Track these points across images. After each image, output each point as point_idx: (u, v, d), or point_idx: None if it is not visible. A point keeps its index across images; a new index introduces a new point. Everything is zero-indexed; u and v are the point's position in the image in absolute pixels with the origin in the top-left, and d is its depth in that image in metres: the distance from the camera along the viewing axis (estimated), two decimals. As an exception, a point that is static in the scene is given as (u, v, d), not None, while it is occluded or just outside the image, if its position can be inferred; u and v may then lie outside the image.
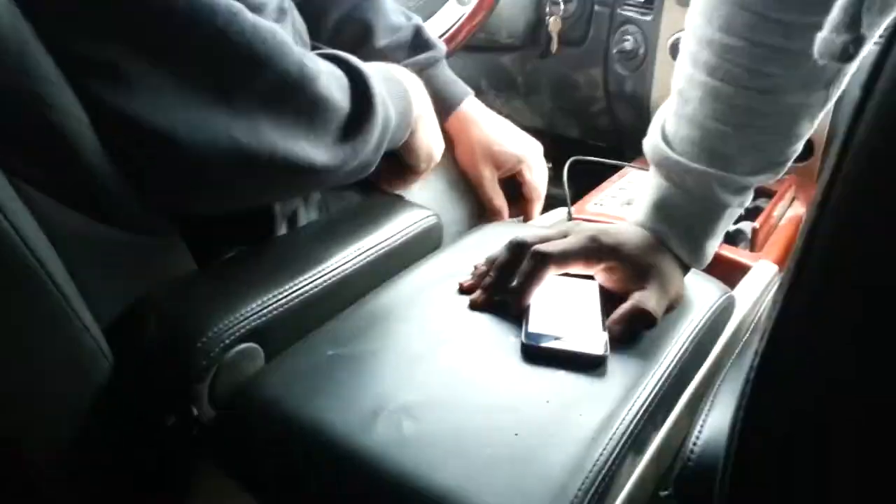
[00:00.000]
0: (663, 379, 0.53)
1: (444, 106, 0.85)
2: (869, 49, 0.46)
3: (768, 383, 0.36)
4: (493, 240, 0.73)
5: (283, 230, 0.70)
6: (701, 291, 0.64)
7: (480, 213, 0.89)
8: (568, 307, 0.59)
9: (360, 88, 0.61)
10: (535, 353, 0.54)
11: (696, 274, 0.67)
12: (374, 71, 0.64)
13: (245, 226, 0.67)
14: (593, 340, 0.55)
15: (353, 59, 0.62)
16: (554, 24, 1.18)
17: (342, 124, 0.59)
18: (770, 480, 0.37)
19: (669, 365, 0.54)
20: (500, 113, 0.90)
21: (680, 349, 0.56)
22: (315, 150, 0.57)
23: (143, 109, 0.48)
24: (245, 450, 0.51)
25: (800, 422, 0.35)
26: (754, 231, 0.91)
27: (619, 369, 0.53)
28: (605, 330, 0.56)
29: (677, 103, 0.65)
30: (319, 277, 0.60)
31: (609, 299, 0.60)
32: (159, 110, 0.49)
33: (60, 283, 0.47)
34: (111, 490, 0.56)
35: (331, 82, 0.58)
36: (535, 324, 0.56)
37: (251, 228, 0.68)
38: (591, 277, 0.63)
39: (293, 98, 0.55)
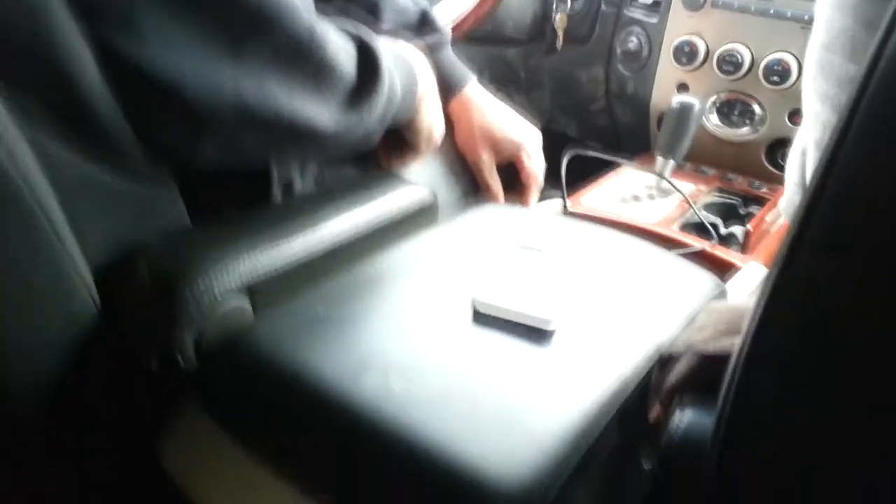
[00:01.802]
0: (653, 357, 0.53)
1: (447, 89, 0.85)
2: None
3: (758, 363, 0.36)
4: (488, 220, 0.73)
5: (278, 198, 0.70)
6: (695, 281, 0.65)
7: (477, 195, 0.89)
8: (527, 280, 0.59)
9: (367, 59, 0.61)
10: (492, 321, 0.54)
11: (691, 265, 0.68)
12: (383, 45, 0.64)
13: (242, 187, 0.67)
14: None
15: (363, 30, 0.62)
16: (560, 20, 1.19)
17: (348, 92, 0.59)
18: (758, 459, 0.37)
19: (661, 345, 0.54)
20: (500, 107, 0.90)
21: (669, 333, 0.57)
22: (319, 115, 0.57)
23: (151, 57, 0.48)
24: (231, 398, 0.51)
25: (788, 404, 0.36)
26: (747, 234, 0.92)
27: (611, 347, 0.53)
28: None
29: (820, 125, 0.54)
30: (313, 242, 0.60)
31: None
32: (169, 60, 0.48)
33: (55, 221, 0.46)
34: (94, 433, 0.56)
35: (339, 50, 0.58)
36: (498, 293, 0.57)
37: (247, 192, 0.67)
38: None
39: (301, 60, 0.55)
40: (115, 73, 0.48)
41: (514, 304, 0.56)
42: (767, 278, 0.35)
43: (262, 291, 0.55)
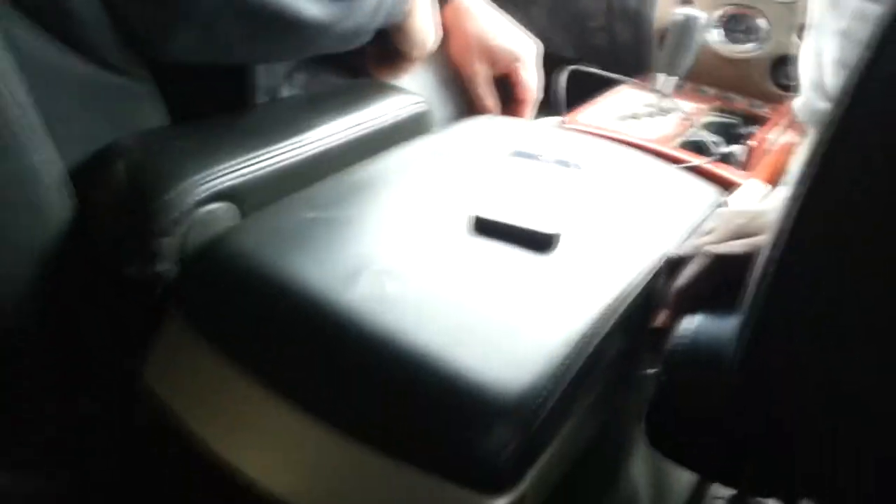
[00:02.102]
0: (656, 267, 0.51)
1: None
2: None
3: (790, 266, 0.34)
4: (482, 130, 0.70)
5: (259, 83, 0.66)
6: (698, 192, 0.62)
7: (471, 112, 0.85)
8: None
9: None
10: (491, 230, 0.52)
11: (694, 178, 0.65)
12: None
13: (224, 93, 0.63)
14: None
15: None
16: (559, -73, 1.12)
17: None
18: (787, 363, 0.36)
19: (664, 252, 0.52)
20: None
21: (674, 242, 0.54)
22: (306, 2, 0.53)
23: None
24: (214, 304, 0.48)
25: (818, 320, 0.33)
26: (750, 150, 0.90)
27: (614, 256, 0.51)
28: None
29: (839, 49, 0.51)
30: (301, 146, 0.57)
31: None
32: None
33: (24, 107, 0.42)
34: (71, 340, 0.53)
35: None
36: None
37: (230, 96, 0.64)
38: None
39: None
40: None
41: (513, 212, 0.53)
42: (797, 189, 0.32)
43: (247, 196, 0.52)
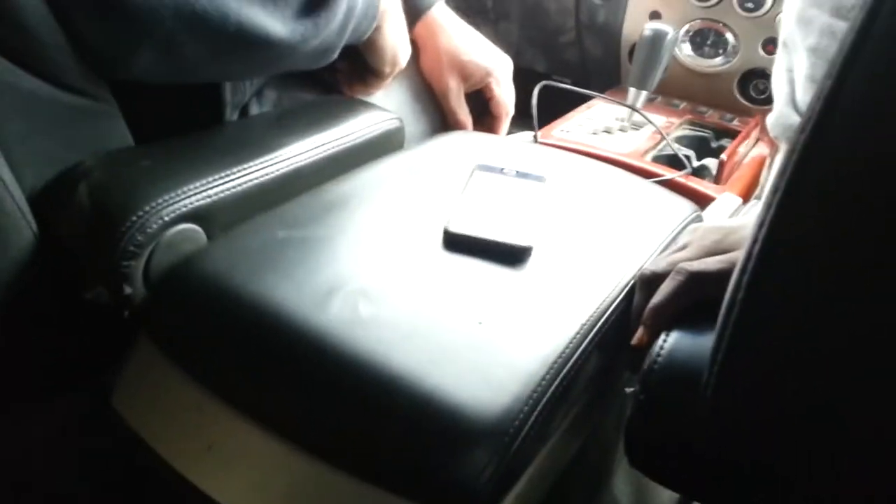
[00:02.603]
0: (631, 282, 0.50)
1: (413, 10, 0.80)
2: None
3: (756, 298, 0.33)
4: (456, 146, 0.69)
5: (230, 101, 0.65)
6: (672, 206, 0.62)
7: (444, 128, 0.85)
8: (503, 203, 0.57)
9: None
10: (464, 245, 0.52)
11: (668, 193, 0.65)
12: None
13: (191, 110, 0.62)
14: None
15: None
16: (529, -56, 1.13)
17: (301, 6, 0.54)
18: (760, 380, 0.35)
19: (640, 268, 0.52)
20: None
21: (649, 257, 0.54)
22: (273, 21, 0.52)
23: None
24: (183, 328, 0.47)
25: (787, 335, 0.33)
26: (721, 164, 0.90)
27: (589, 271, 0.51)
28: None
29: (810, 65, 0.52)
30: (271, 164, 0.56)
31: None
32: None
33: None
34: (38, 368, 0.52)
35: None
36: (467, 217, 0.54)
37: (197, 114, 0.62)
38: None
39: None
40: None
41: (487, 227, 0.53)
42: (769, 198, 0.32)
43: (215, 217, 0.51)
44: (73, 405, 0.55)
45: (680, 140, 1.04)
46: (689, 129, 1.07)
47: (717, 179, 0.90)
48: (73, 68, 0.47)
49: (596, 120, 1.05)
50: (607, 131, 1.02)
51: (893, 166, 0.28)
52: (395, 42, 0.72)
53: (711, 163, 0.96)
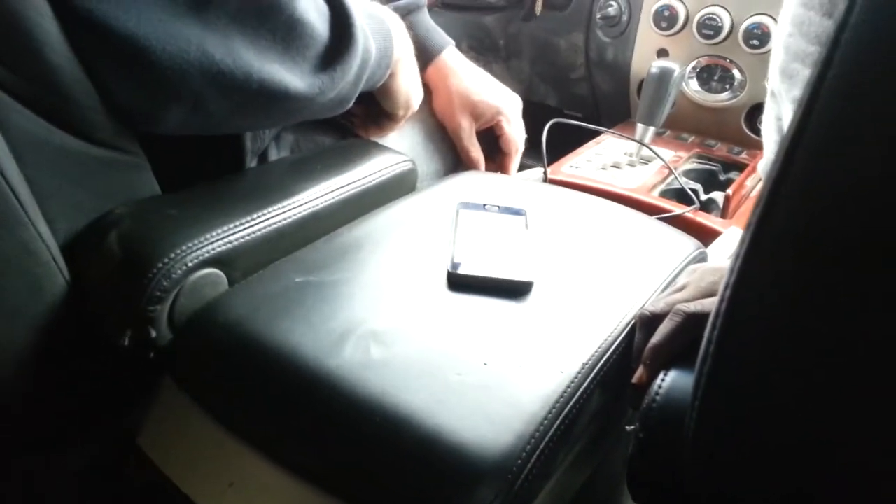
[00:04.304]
0: (632, 322, 0.52)
1: (425, 55, 0.83)
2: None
3: (731, 332, 0.35)
4: (468, 186, 0.72)
5: (252, 166, 0.68)
6: (675, 244, 0.64)
7: (457, 166, 0.88)
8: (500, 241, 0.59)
9: (340, 18, 0.59)
10: (468, 285, 0.54)
11: (671, 229, 0.67)
12: (356, 4, 0.62)
13: (213, 157, 0.65)
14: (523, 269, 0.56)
15: (349, 11, 0.60)
16: (539, -15, 1.17)
17: (320, 52, 0.57)
18: (737, 417, 0.37)
19: (642, 307, 0.54)
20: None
21: (650, 296, 0.56)
22: (291, 76, 0.55)
23: (113, 12, 0.46)
24: (206, 371, 0.50)
25: (762, 368, 0.35)
26: (726, 199, 0.92)
27: (591, 310, 0.53)
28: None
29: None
30: (289, 209, 0.58)
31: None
32: (130, 14, 0.46)
33: (15, 186, 0.44)
34: (67, 408, 0.54)
35: (309, 7, 0.56)
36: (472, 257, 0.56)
37: (219, 161, 0.66)
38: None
39: (269, 17, 0.53)
40: (75, 28, 0.46)
41: (492, 267, 0.55)
42: (745, 233, 0.34)
43: (237, 262, 0.54)
44: (100, 444, 0.58)
45: (688, 173, 1.06)
46: (698, 163, 1.09)
47: (723, 213, 0.92)
48: (104, 124, 0.50)
49: (605, 155, 1.07)
50: (616, 166, 1.04)
51: (857, 198, 0.30)
52: (409, 87, 0.75)
53: (719, 196, 0.97)
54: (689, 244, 0.65)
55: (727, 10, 1.05)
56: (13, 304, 0.47)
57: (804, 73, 0.48)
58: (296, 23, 0.54)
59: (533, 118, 0.95)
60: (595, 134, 1.12)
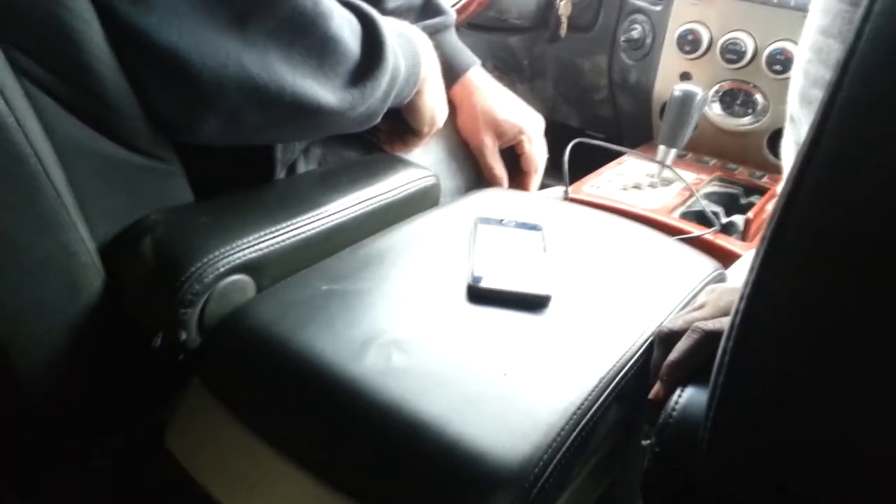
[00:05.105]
0: (650, 338, 0.53)
1: (451, 73, 0.85)
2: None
3: (745, 343, 0.36)
4: (489, 202, 0.73)
5: (282, 177, 0.70)
6: (694, 264, 0.65)
7: (479, 183, 0.89)
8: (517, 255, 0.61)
9: (371, 36, 0.61)
10: (488, 297, 0.56)
11: (691, 249, 0.68)
12: (387, 23, 0.64)
13: (245, 167, 0.67)
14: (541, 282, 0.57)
15: (367, 7, 0.62)
16: (564, 7, 1.19)
17: (352, 68, 0.59)
18: (746, 441, 0.38)
19: (660, 324, 0.54)
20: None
21: (668, 314, 0.57)
22: (323, 91, 0.57)
23: (156, 26, 0.48)
24: (233, 374, 0.51)
25: (776, 378, 0.36)
26: (747, 222, 0.93)
27: (610, 325, 0.54)
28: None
29: None
30: (316, 220, 0.60)
31: None
32: (173, 29, 0.49)
33: (60, 189, 0.46)
34: (97, 406, 0.56)
35: (343, 25, 0.58)
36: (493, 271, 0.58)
37: (251, 171, 0.68)
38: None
39: (305, 34, 0.55)
40: (120, 39, 0.48)
41: (513, 281, 0.56)
42: (759, 247, 0.35)
43: (265, 269, 0.55)
44: (126, 441, 0.60)
45: (710, 196, 1.06)
46: (719, 186, 1.10)
47: (744, 236, 0.92)
48: (144, 133, 0.53)
49: (626, 175, 1.08)
50: (637, 187, 1.05)
51: (867, 213, 0.31)
52: (434, 104, 0.77)
53: (739, 219, 0.98)
54: (708, 265, 0.65)
55: (751, 34, 1.06)
56: (53, 301, 0.49)
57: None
58: (329, 39, 0.56)
59: (556, 138, 0.97)
60: (617, 155, 1.13)
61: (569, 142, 1.00)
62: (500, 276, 0.57)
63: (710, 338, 0.47)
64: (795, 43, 1.02)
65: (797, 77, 0.53)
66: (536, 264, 0.60)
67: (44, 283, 0.48)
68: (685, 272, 0.63)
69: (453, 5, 1.08)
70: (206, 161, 0.62)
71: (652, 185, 1.06)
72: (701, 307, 0.52)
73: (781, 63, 1.04)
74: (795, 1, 1.02)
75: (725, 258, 0.86)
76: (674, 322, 0.51)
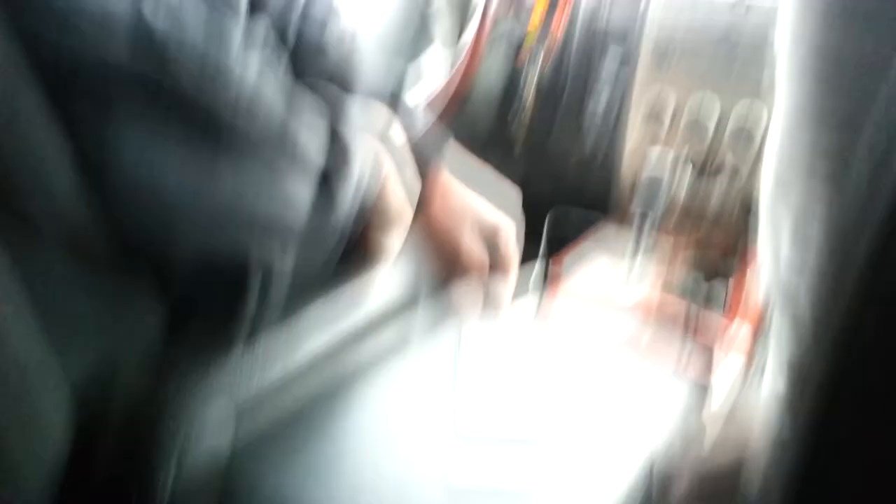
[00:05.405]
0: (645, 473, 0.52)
1: (420, 169, 0.85)
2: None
3: None
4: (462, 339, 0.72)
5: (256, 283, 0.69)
6: (675, 390, 0.65)
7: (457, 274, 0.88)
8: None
9: (339, 153, 0.61)
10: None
11: (670, 375, 0.68)
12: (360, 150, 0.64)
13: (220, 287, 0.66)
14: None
15: (344, 134, 0.63)
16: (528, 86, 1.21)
17: (316, 184, 0.59)
18: None
19: (652, 459, 0.53)
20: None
21: (659, 444, 0.56)
22: (294, 212, 0.57)
23: (131, 162, 0.48)
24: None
25: None
26: (726, 295, 0.93)
27: (602, 463, 0.53)
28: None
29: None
30: (294, 362, 0.60)
31: None
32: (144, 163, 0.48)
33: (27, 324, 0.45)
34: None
35: (310, 140, 0.58)
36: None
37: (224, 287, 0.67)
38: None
39: (276, 160, 0.55)
40: (88, 170, 0.47)
41: (497, 424, 0.56)
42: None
43: (243, 415, 0.54)
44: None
45: (690, 261, 1.07)
46: (699, 251, 1.10)
47: (726, 305, 0.92)
48: (115, 260, 0.52)
49: (604, 247, 1.09)
50: (615, 262, 1.05)
51: None
52: (399, 204, 0.76)
53: (721, 286, 0.98)
54: (688, 389, 0.65)
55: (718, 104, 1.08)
56: (16, 445, 0.47)
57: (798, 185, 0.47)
58: (299, 159, 0.57)
59: (530, 210, 0.96)
60: (592, 227, 1.14)
61: (544, 214, 1.00)
62: (485, 422, 0.56)
63: (709, 479, 0.46)
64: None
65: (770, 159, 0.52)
66: (525, 405, 0.59)
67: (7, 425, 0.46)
68: (667, 400, 0.62)
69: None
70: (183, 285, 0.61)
71: (632, 255, 1.05)
72: (692, 441, 0.51)
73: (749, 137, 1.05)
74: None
75: (709, 343, 0.86)
76: (669, 463, 0.50)
